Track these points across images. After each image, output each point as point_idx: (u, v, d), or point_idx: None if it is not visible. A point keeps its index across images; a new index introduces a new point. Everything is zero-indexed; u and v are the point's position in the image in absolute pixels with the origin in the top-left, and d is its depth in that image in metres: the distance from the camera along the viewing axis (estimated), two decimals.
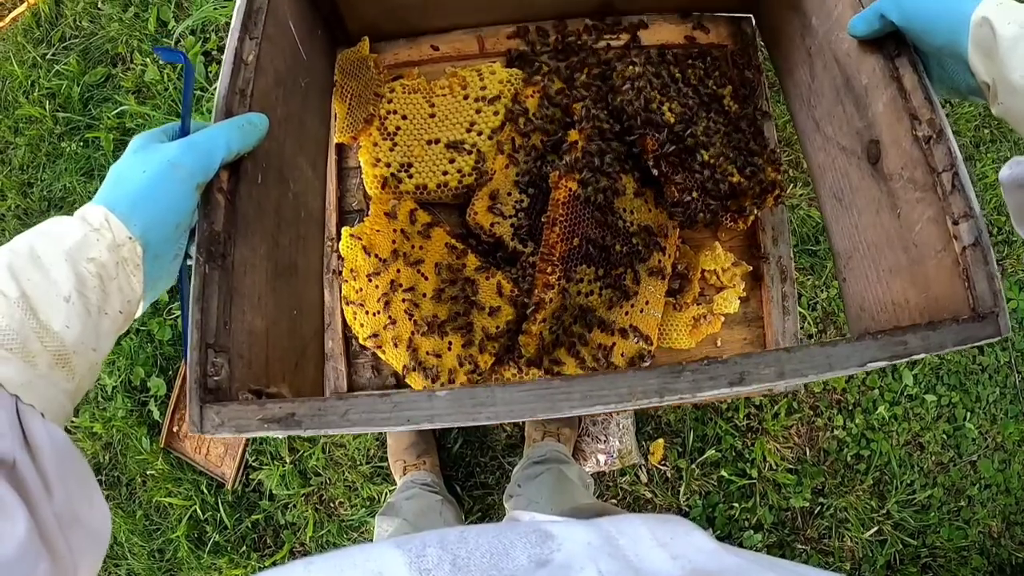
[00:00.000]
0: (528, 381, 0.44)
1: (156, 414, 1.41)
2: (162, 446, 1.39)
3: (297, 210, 0.70)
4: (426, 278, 0.75)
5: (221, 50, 1.52)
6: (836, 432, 1.40)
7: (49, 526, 0.37)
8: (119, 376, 1.44)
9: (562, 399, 0.43)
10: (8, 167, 1.62)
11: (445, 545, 0.32)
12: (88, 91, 1.61)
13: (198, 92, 1.50)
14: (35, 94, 1.62)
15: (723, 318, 0.80)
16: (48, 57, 1.64)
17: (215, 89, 1.49)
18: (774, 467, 1.38)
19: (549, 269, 0.69)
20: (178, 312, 1.45)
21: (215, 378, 0.48)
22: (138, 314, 0.47)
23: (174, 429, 1.39)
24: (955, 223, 0.52)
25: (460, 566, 0.31)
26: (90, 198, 1.56)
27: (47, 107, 1.60)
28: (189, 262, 0.51)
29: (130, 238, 0.44)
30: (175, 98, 1.51)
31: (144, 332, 1.45)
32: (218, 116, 0.54)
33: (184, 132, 0.51)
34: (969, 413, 1.45)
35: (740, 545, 1.37)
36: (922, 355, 0.48)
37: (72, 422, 1.44)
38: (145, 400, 1.43)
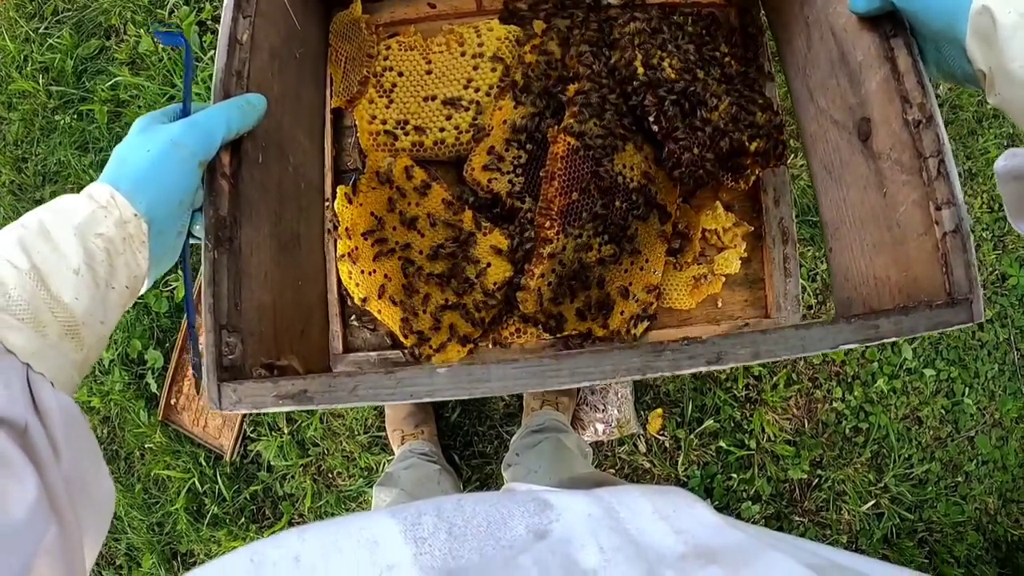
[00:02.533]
0: (521, 359, 0.46)
1: (154, 387, 1.41)
2: (160, 419, 1.39)
3: (297, 183, 0.70)
4: (422, 235, 0.74)
5: (216, 20, 1.50)
6: (835, 404, 1.40)
7: (58, 491, 0.37)
8: (116, 349, 1.43)
9: (551, 375, 0.46)
10: (2, 142, 1.61)
11: (441, 514, 0.32)
12: (82, 64, 1.59)
13: (193, 63, 1.49)
14: (28, 68, 1.60)
15: (724, 279, 0.79)
16: (41, 31, 1.62)
17: (211, 58, 1.47)
18: (772, 438, 1.38)
19: (548, 224, 0.68)
20: (175, 284, 1.44)
21: (230, 356, 0.50)
22: (143, 290, 0.49)
23: (172, 402, 1.39)
24: (938, 208, 0.53)
25: (456, 535, 0.31)
26: (85, 171, 1.53)
27: (40, 81, 1.58)
28: (193, 240, 0.52)
29: (135, 215, 0.45)
30: (169, 68, 1.50)
31: (141, 304, 1.44)
32: (216, 98, 0.55)
33: (185, 113, 0.52)
34: (968, 388, 1.45)
35: (738, 516, 1.37)
36: (894, 339, 0.50)
37: None
38: (142, 373, 1.43)
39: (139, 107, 1.51)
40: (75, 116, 1.56)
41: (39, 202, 1.54)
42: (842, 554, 0.31)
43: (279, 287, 0.61)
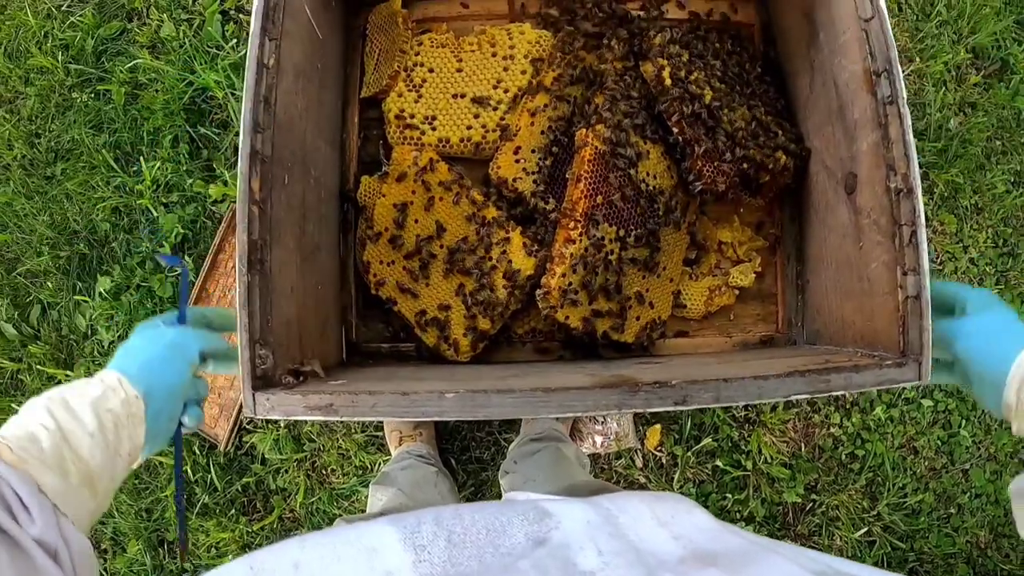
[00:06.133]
0: (519, 390, 0.52)
1: None
2: None
3: (319, 192, 0.71)
4: (444, 230, 0.74)
5: (239, 10, 1.51)
6: (832, 430, 1.40)
7: None
8: (117, 331, 1.42)
9: (542, 406, 0.52)
10: (16, 117, 1.60)
11: (440, 522, 0.32)
12: (102, 44, 1.59)
13: (214, 51, 1.49)
14: (48, 45, 1.60)
15: (737, 291, 0.80)
16: (63, 8, 1.62)
17: (232, 47, 1.48)
18: (769, 460, 1.38)
19: (571, 225, 0.68)
20: (178, 272, 1.42)
21: (262, 367, 0.55)
22: (136, 464, 0.55)
23: None
24: (904, 274, 0.57)
25: (455, 542, 0.31)
26: (98, 151, 1.52)
27: (59, 58, 1.58)
28: (184, 429, 0.60)
29: (136, 397, 0.54)
30: (190, 54, 1.50)
31: (144, 288, 1.43)
32: (244, 128, 0.57)
33: (181, 319, 0.60)
34: (964, 421, 1.45)
35: None
36: (842, 392, 0.55)
37: (67, 376, 1.43)
38: None
39: (156, 91, 1.52)
40: (92, 95, 1.56)
41: (49, 179, 1.53)
42: (843, 562, 0.31)
43: (302, 297, 0.65)
